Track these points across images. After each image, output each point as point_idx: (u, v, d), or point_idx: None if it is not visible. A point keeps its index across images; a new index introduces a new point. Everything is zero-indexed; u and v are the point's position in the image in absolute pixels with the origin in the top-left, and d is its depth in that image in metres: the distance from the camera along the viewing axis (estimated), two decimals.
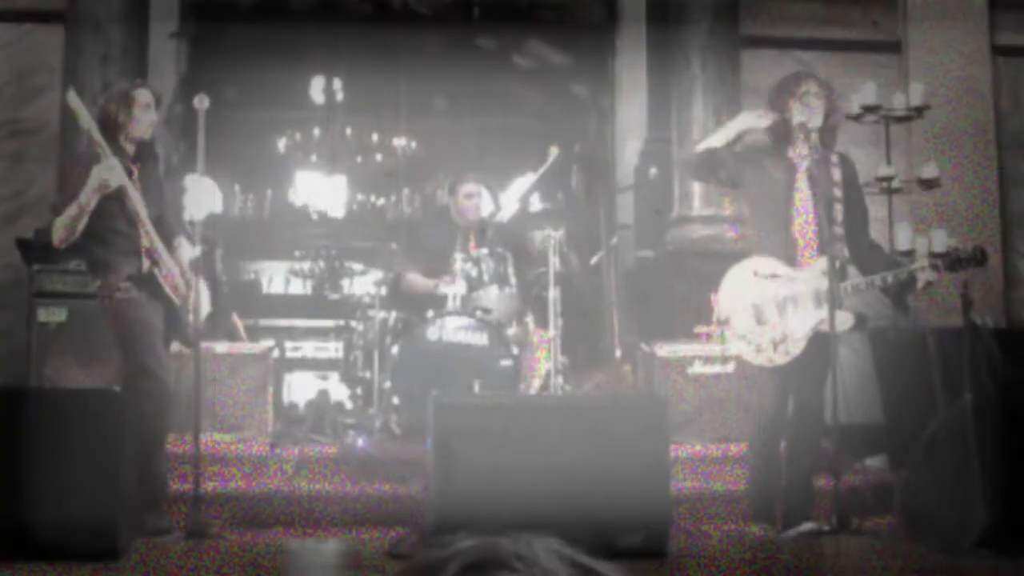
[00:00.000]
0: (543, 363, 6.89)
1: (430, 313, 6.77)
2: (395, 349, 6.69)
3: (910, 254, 7.78)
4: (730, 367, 7.04)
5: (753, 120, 5.68)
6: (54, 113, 8.41)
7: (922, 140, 9.12)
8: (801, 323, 5.43)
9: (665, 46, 9.34)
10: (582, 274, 7.60)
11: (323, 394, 7.26)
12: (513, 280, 6.95)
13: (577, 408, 5.41)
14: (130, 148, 5.47)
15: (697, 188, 8.84)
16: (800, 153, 5.56)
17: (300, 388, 8.45)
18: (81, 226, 5.28)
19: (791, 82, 5.63)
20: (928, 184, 8.48)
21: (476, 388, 6.38)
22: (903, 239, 8.12)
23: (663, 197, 9.11)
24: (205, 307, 5.71)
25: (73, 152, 7.46)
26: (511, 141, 11.24)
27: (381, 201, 12.16)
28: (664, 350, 7.32)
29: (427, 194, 11.80)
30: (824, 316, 5.37)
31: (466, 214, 7.41)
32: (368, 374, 6.97)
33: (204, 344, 5.67)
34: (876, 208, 7.23)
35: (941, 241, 7.83)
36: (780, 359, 5.43)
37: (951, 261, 5.41)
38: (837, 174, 5.57)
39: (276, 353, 7.53)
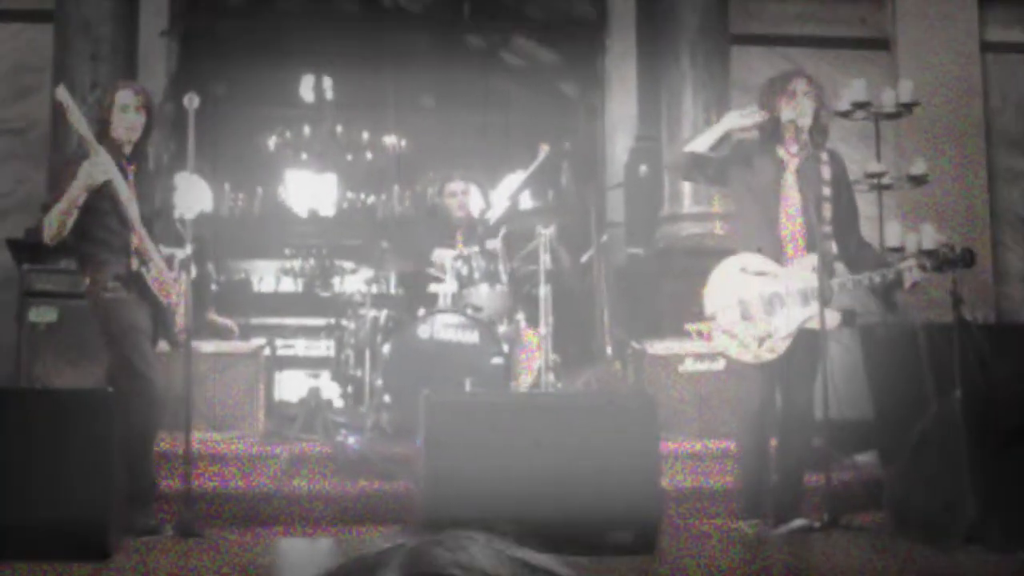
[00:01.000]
0: (534, 361, 6.89)
1: (421, 311, 6.77)
2: (386, 347, 6.69)
3: (899, 250, 7.80)
4: (720, 364, 7.04)
5: (737, 119, 5.69)
6: (44, 112, 8.40)
7: (911, 136, 9.14)
8: (786, 320, 5.44)
9: (655, 44, 9.35)
10: (573, 272, 7.61)
11: (314, 392, 7.25)
12: (504, 278, 6.96)
13: (567, 406, 5.43)
14: (121, 147, 5.46)
15: (687, 186, 8.85)
16: (790, 151, 5.57)
17: (291, 386, 8.46)
18: (71, 222, 5.27)
19: (781, 80, 5.64)
20: (917, 180, 8.50)
21: (467, 386, 6.38)
22: (892, 235, 8.14)
23: (653, 194, 9.12)
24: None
25: (64, 152, 7.46)
26: (501, 139, 11.28)
27: (371, 199, 12.18)
28: (655, 347, 7.34)
29: (417, 192, 11.82)
30: (809, 314, 5.39)
31: (455, 212, 7.42)
32: (359, 372, 6.97)
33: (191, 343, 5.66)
34: (866, 204, 7.24)
35: (930, 237, 7.85)
36: (766, 356, 5.45)
37: (938, 262, 5.41)
38: (827, 172, 5.57)
39: (267, 351, 7.54)
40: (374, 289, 7.30)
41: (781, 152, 5.58)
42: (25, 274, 7.32)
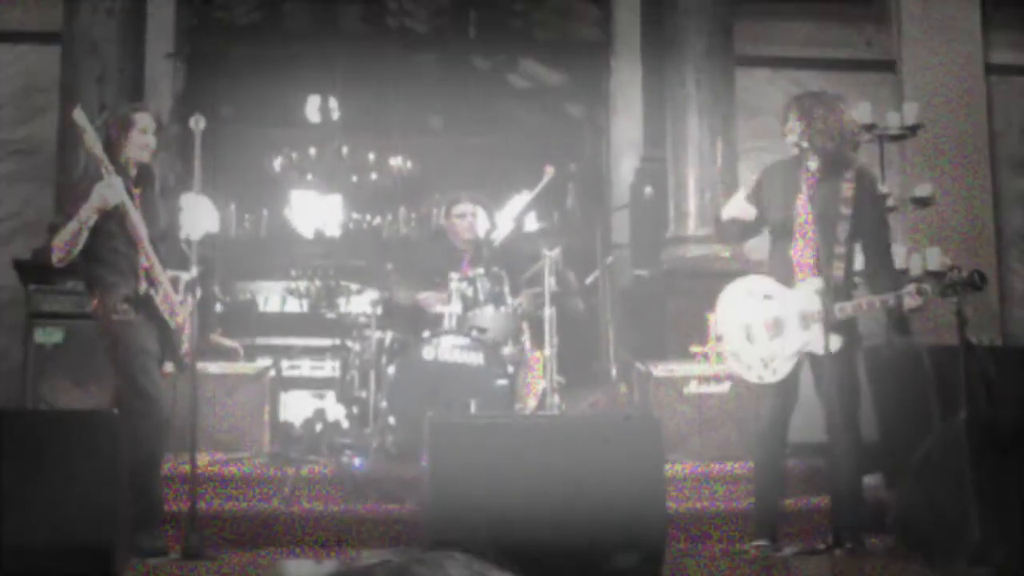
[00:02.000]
0: (539, 382, 6.89)
1: (426, 333, 6.77)
2: (391, 369, 6.69)
3: (904, 272, 7.79)
4: (726, 387, 7.06)
5: (739, 210, 5.76)
6: (51, 133, 8.43)
7: (916, 158, 9.16)
8: (784, 344, 5.45)
9: (660, 65, 9.38)
10: (578, 293, 7.61)
11: (319, 413, 7.25)
12: (509, 299, 6.96)
13: (573, 428, 5.41)
14: (131, 169, 5.48)
15: (692, 208, 8.88)
16: (808, 172, 5.52)
17: (296, 407, 8.45)
18: (80, 244, 5.29)
19: (800, 102, 5.60)
20: (923, 202, 8.50)
21: (472, 408, 6.38)
22: (897, 258, 8.13)
23: (658, 216, 9.13)
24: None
25: (71, 173, 7.49)
26: (506, 160, 11.28)
27: (377, 220, 12.18)
28: (660, 369, 7.33)
29: (423, 213, 11.83)
30: (809, 338, 5.38)
31: (461, 234, 7.43)
32: (364, 393, 6.97)
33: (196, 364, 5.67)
34: None
35: (936, 259, 7.86)
36: (769, 377, 5.46)
37: (947, 286, 5.38)
38: (848, 191, 5.49)
39: (272, 372, 7.54)
40: (379, 310, 7.29)
41: (800, 174, 5.54)
42: (31, 295, 7.35)
